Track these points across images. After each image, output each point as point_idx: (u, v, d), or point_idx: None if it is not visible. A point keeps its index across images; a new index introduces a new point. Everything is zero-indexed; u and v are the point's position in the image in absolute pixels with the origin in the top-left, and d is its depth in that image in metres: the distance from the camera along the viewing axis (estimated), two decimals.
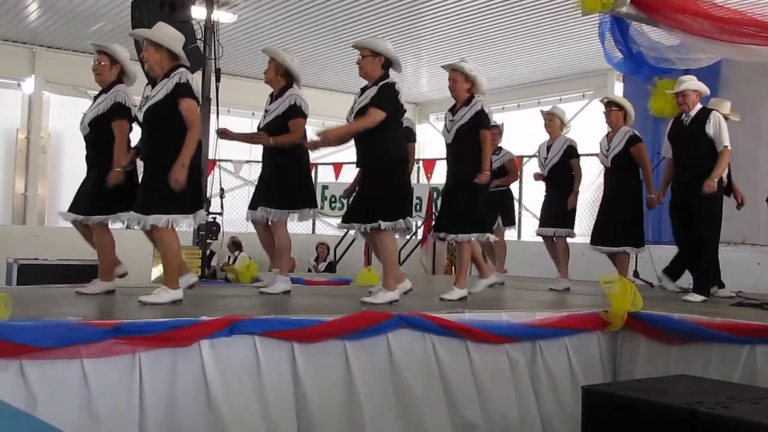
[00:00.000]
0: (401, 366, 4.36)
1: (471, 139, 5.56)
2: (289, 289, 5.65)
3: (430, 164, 13.20)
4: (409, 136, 6.33)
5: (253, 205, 5.64)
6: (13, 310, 3.46)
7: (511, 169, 7.62)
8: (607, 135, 6.98)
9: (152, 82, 4.83)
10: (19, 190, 13.38)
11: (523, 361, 4.88)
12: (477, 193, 5.62)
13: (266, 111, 5.69)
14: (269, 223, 5.62)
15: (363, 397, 4.19)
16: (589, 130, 11.37)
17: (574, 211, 7.21)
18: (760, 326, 4.58)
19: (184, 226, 4.82)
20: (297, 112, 5.53)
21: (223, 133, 5.73)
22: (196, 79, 4.88)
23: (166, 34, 4.85)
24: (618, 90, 11.92)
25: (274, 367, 3.98)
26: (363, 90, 5.33)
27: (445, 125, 5.84)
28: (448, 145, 5.82)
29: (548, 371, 4.96)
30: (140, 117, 4.82)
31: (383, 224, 5.06)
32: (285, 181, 5.52)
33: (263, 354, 3.95)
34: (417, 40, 11.81)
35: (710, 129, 6.19)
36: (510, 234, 8.35)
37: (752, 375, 4.46)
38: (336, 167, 13.72)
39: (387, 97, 5.16)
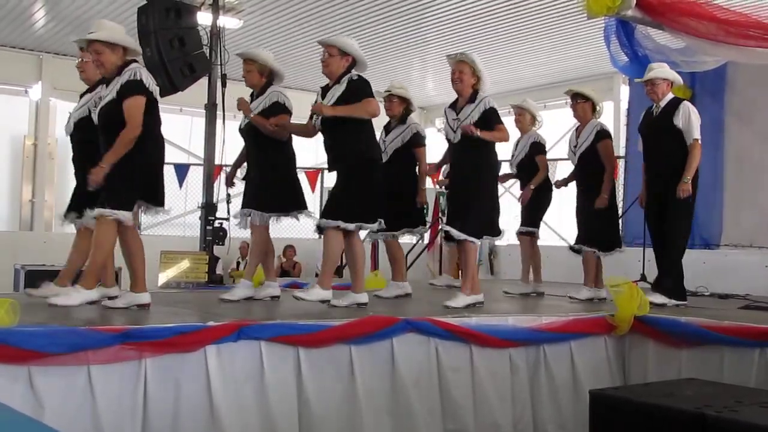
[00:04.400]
0: (402, 371, 4.35)
1: (480, 138, 5.39)
2: (277, 294, 5.58)
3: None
4: (419, 140, 6.32)
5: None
6: (21, 317, 3.47)
7: None
8: (576, 129, 6.58)
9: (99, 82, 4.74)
10: (26, 196, 13.43)
11: (524, 366, 4.86)
12: (487, 194, 5.54)
13: None
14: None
15: (363, 402, 4.18)
16: None
17: (540, 209, 6.89)
18: None
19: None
20: (280, 109, 5.40)
21: (243, 104, 5.49)
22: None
23: (114, 29, 4.68)
24: (624, 93, 11.91)
25: (278, 372, 3.98)
26: (326, 89, 5.19)
27: (448, 123, 5.69)
28: (453, 145, 5.67)
29: (550, 376, 4.94)
30: (95, 118, 4.70)
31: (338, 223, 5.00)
32: (269, 183, 5.40)
33: (268, 360, 3.95)
34: (423, 44, 11.83)
35: (679, 120, 5.81)
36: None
37: (766, 378, 4.42)
38: None
39: (370, 91, 5.08)
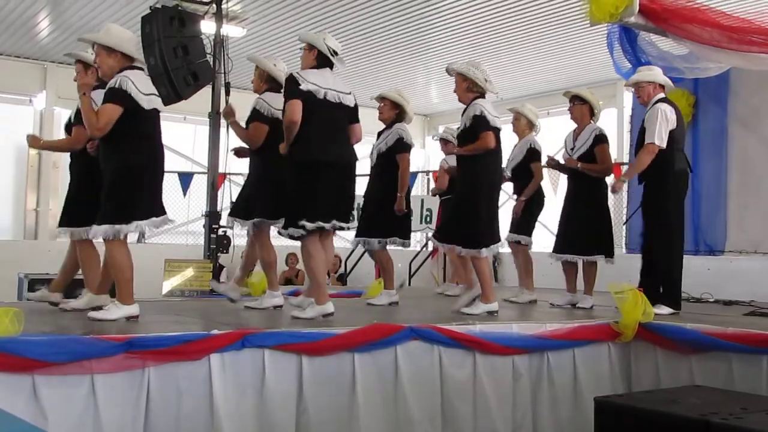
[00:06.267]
0: (404, 378, 4.34)
1: (469, 143, 5.42)
2: (280, 304, 5.46)
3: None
4: (402, 146, 6.14)
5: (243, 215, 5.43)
6: (25, 326, 3.47)
7: None
8: (573, 131, 6.53)
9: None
10: (30, 205, 13.43)
11: (527, 374, 4.84)
12: (481, 203, 5.47)
13: None
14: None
15: (362, 409, 4.18)
16: None
17: (531, 217, 6.79)
18: None
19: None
20: (253, 114, 5.35)
21: (229, 113, 5.54)
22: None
23: (117, 36, 4.58)
24: (627, 100, 11.90)
25: (280, 381, 3.98)
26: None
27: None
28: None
29: (552, 383, 4.92)
30: None
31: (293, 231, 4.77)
32: (269, 191, 5.27)
33: (270, 368, 3.95)
34: (426, 52, 11.83)
35: (646, 121, 5.68)
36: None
37: None
38: None
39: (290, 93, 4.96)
